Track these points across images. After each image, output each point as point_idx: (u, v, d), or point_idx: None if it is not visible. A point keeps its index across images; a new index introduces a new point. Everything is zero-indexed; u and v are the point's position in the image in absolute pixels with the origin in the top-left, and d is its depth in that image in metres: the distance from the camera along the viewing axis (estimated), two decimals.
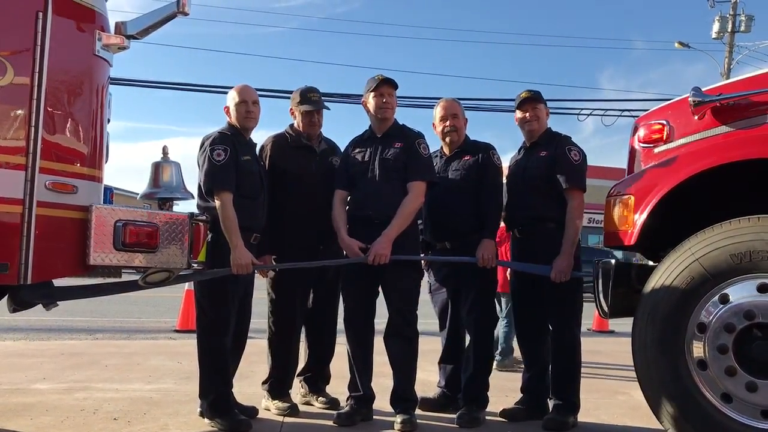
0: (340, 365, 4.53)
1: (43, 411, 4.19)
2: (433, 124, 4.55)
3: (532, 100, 4.39)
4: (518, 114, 4.45)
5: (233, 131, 4.09)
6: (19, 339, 7.68)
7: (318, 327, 4.59)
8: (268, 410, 4.34)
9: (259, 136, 4.36)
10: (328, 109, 4.60)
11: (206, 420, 3.97)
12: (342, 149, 4.56)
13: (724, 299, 2.97)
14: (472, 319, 4.35)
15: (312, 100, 4.43)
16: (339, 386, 4.54)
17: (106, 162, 3.55)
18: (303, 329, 4.61)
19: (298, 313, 4.42)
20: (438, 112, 4.49)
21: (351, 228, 4.21)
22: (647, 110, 3.97)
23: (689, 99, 3.35)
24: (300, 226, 4.30)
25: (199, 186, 4.02)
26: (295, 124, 4.52)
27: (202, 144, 4.02)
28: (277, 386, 4.41)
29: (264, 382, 4.47)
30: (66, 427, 3.86)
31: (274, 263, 4.38)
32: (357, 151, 4.30)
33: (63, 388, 4.88)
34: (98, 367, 5.81)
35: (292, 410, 4.30)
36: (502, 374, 5.19)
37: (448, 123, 4.43)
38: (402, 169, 4.15)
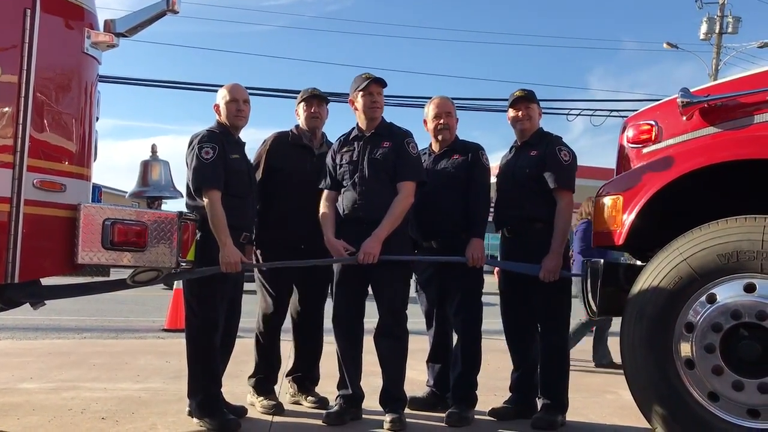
0: (329, 365, 4.53)
1: (30, 410, 4.16)
2: (424, 121, 4.54)
3: (525, 99, 4.40)
4: (511, 113, 4.46)
5: (222, 129, 4.08)
6: (5, 338, 7.62)
7: (305, 327, 4.59)
8: (253, 405, 4.35)
9: (249, 135, 4.38)
10: (327, 101, 4.66)
11: (195, 420, 3.95)
12: None
13: (712, 299, 2.99)
14: (459, 319, 4.36)
15: (312, 93, 4.53)
16: (328, 385, 4.54)
17: (95, 160, 3.53)
18: (292, 329, 4.61)
19: (281, 311, 4.44)
20: (431, 109, 4.49)
21: (341, 229, 4.21)
22: (636, 110, 3.99)
23: (678, 100, 3.38)
24: (288, 224, 4.31)
25: (188, 185, 4.00)
26: (300, 124, 4.54)
27: (191, 142, 4.00)
28: (263, 383, 4.42)
29: (251, 377, 4.49)
30: (53, 426, 3.84)
31: (258, 259, 4.38)
32: (344, 150, 4.29)
33: (50, 388, 4.85)
34: (86, 367, 5.78)
35: (277, 409, 4.30)
36: (491, 373, 5.19)
37: (441, 121, 4.43)
38: (391, 168, 4.14)
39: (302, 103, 4.53)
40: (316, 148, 4.52)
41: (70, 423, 3.92)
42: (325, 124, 4.66)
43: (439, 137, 4.47)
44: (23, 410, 4.16)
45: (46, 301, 3.57)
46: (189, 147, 4.00)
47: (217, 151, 3.90)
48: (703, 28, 24.84)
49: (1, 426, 3.82)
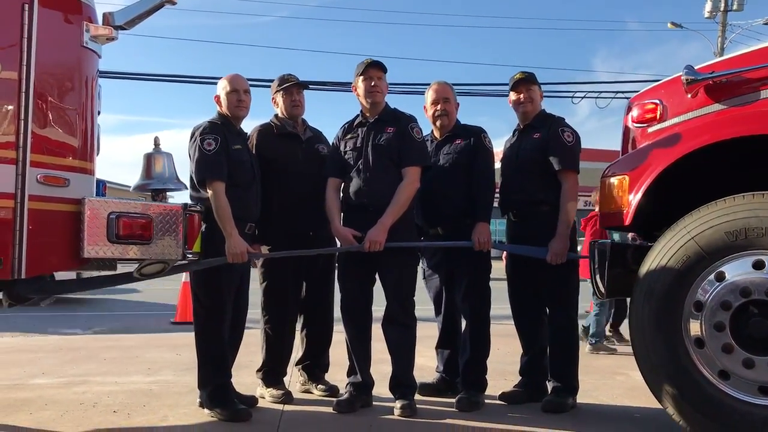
0: (339, 353, 4.53)
1: (43, 405, 4.18)
2: (425, 108, 4.53)
3: (526, 82, 4.37)
4: (512, 96, 4.43)
5: (223, 120, 4.06)
6: (17, 334, 7.67)
7: (313, 315, 4.59)
8: (263, 398, 4.35)
9: (250, 126, 4.35)
10: (308, 87, 4.60)
11: (206, 410, 3.97)
12: (329, 138, 4.56)
13: (720, 277, 2.98)
14: (467, 304, 4.34)
15: (290, 80, 4.46)
16: (338, 373, 4.55)
17: (98, 154, 3.53)
18: (300, 318, 4.61)
19: (290, 301, 4.42)
20: (429, 95, 4.47)
21: (346, 216, 4.21)
22: (641, 91, 3.95)
23: (682, 77, 3.34)
24: (289, 214, 4.28)
25: (191, 177, 3.99)
26: (279, 113, 4.51)
27: (193, 134, 4.00)
28: (271, 374, 4.43)
29: (258, 370, 4.49)
30: (66, 420, 3.86)
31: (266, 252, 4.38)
32: (348, 137, 4.28)
33: (62, 383, 4.88)
34: (97, 361, 5.81)
35: (287, 397, 4.31)
36: (500, 357, 5.19)
37: (439, 107, 4.41)
38: (395, 154, 4.12)
39: (281, 93, 4.46)
40: (301, 134, 4.49)
41: (82, 417, 3.94)
42: (330, 113, 4.64)
43: (438, 123, 4.45)
44: (36, 405, 4.19)
45: (54, 296, 3.58)
46: (191, 139, 4.00)
47: (219, 142, 3.88)
48: (708, 5, 24.54)
49: (14, 421, 3.85)
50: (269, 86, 4.64)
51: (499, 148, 4.59)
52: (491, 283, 4.42)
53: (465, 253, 4.24)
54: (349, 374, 4.26)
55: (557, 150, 4.17)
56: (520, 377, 4.47)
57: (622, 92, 17.34)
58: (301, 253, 4.22)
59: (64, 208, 3.16)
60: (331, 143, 4.50)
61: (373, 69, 4.19)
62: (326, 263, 4.47)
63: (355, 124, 4.31)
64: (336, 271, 4.47)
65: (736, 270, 2.95)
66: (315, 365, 4.61)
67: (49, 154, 3.11)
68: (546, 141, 4.21)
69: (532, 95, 4.36)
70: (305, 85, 4.58)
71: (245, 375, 4.66)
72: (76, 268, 3.40)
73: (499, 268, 4.72)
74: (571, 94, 17.57)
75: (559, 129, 4.22)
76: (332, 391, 4.48)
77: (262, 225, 4.23)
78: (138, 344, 6.87)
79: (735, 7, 24.33)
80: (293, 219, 4.29)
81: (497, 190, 4.47)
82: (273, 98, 4.54)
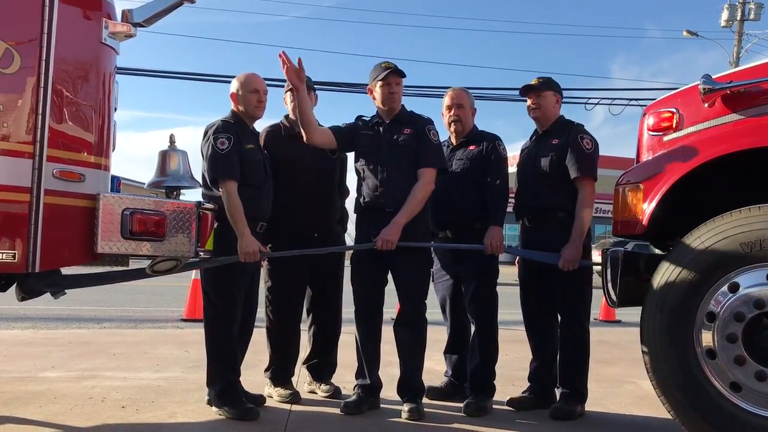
0: (347, 354, 4.53)
1: (52, 399, 4.21)
2: (442, 113, 4.54)
3: (534, 89, 4.36)
4: (527, 102, 4.43)
5: (237, 119, 4.07)
6: (27, 328, 7.71)
7: (321, 314, 4.60)
8: (271, 397, 4.36)
9: (259, 125, 4.35)
10: (314, 88, 4.60)
11: (214, 408, 3.98)
12: None
13: (734, 288, 2.95)
14: (474, 309, 4.34)
15: None
16: (346, 375, 4.55)
17: (113, 150, 3.55)
18: (308, 318, 4.61)
19: (296, 302, 4.43)
20: (445, 101, 4.50)
21: (362, 217, 4.23)
22: (656, 99, 3.93)
23: (699, 86, 3.32)
24: (294, 215, 4.28)
25: (203, 175, 4.00)
26: (290, 114, 4.51)
27: (206, 133, 4.00)
28: (279, 374, 4.44)
29: (266, 370, 4.50)
30: (74, 415, 3.88)
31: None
32: (364, 131, 4.27)
33: (71, 377, 4.90)
34: (106, 356, 5.84)
35: (294, 397, 4.32)
36: (509, 363, 5.18)
37: (452, 112, 4.43)
38: (412, 155, 4.13)
39: (290, 93, 4.42)
40: None
41: (91, 411, 3.96)
42: (343, 114, 4.63)
43: (452, 128, 4.49)
44: (45, 399, 4.21)
45: (66, 291, 3.60)
46: (204, 138, 4.00)
47: (232, 141, 3.89)
48: (724, 15, 24.46)
49: (23, 414, 3.87)
50: (283, 86, 4.63)
51: (513, 152, 4.57)
52: (501, 288, 4.41)
53: (472, 256, 4.24)
54: (357, 376, 4.26)
55: (576, 157, 4.15)
56: (529, 383, 4.45)
57: (637, 99, 17.31)
58: (314, 252, 4.22)
59: (79, 203, 3.18)
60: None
61: (393, 76, 4.18)
62: (335, 263, 4.47)
63: (371, 123, 4.31)
64: (349, 272, 4.47)
65: (750, 281, 2.93)
66: (322, 364, 4.61)
67: (66, 149, 3.13)
68: (564, 147, 4.20)
69: (540, 101, 4.34)
70: (312, 86, 4.55)
71: (253, 374, 4.67)
72: (90, 263, 3.41)
73: (508, 273, 4.70)
74: (584, 101, 17.53)
75: (578, 136, 4.20)
76: (335, 392, 4.48)
77: (271, 227, 4.24)
78: (147, 340, 6.91)
79: (752, 16, 24.24)
80: (298, 220, 4.29)
81: (512, 194, 4.47)
82: (284, 98, 4.55)
